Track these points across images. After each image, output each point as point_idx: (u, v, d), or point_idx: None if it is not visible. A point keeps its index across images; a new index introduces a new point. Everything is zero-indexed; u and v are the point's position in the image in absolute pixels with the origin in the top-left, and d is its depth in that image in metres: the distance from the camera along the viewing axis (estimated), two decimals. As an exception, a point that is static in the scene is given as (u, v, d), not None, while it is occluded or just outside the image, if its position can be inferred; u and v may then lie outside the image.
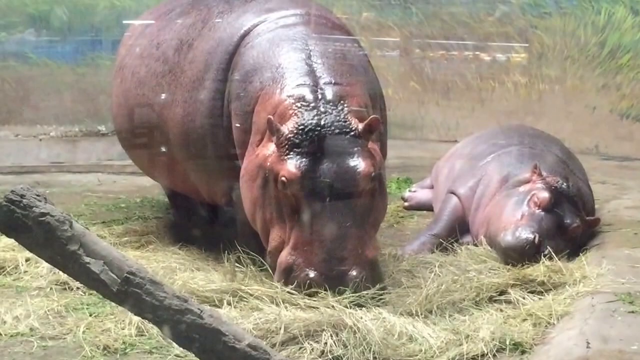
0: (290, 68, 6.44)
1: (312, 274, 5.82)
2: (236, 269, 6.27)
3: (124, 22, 11.70)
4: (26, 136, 12.27)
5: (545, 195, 6.97)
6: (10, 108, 12.65)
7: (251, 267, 6.31)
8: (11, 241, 6.45)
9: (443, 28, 13.61)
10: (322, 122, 6.05)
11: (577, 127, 12.26)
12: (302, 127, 6.03)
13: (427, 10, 13.73)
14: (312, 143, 6.00)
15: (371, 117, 6.18)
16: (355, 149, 6.05)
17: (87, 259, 4.06)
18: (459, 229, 7.63)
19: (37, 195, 4.07)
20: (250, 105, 6.49)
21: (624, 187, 9.69)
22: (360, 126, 6.11)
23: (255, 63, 6.63)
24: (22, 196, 4.04)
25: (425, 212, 8.98)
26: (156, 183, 8.82)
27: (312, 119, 6.06)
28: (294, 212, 6.01)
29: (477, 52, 13.51)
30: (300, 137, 6.01)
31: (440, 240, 7.40)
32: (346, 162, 6.01)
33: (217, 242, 6.84)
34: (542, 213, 6.91)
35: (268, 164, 6.10)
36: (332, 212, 5.95)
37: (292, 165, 5.96)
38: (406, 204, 9.33)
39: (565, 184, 7.16)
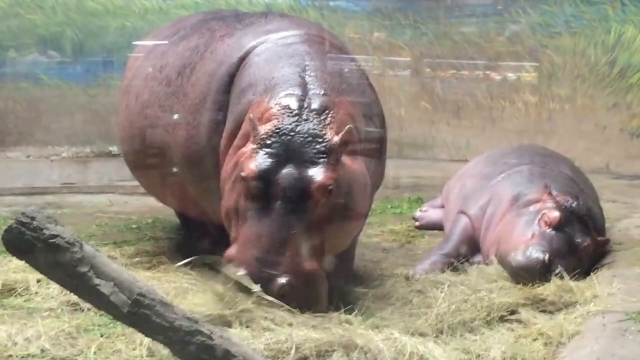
0: (282, 80, 6.46)
1: (241, 271, 5.79)
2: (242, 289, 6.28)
3: (134, 43, 11.78)
4: (37, 157, 12.31)
5: (555, 214, 6.96)
6: (22, 129, 12.70)
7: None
8: (22, 262, 6.48)
9: (453, 48, 13.65)
10: (298, 129, 6.05)
11: (587, 146, 12.26)
12: (277, 129, 6.05)
13: (438, 30, 13.78)
14: (282, 146, 6.01)
15: (347, 127, 6.11)
16: (322, 159, 6.01)
17: (98, 281, 4.07)
18: (469, 249, 7.62)
19: (48, 218, 4.09)
20: (243, 116, 6.50)
21: (634, 206, 9.67)
22: (336, 138, 6.06)
23: (251, 79, 6.66)
24: (32, 218, 4.06)
25: (436, 231, 8.98)
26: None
27: (289, 124, 6.07)
28: (244, 209, 6.03)
29: (487, 72, 13.53)
30: (272, 138, 6.02)
31: (451, 259, 7.39)
32: (306, 169, 5.97)
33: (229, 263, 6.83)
34: (553, 232, 6.91)
35: (240, 159, 6.13)
36: (278, 216, 5.90)
37: (254, 163, 5.98)
38: (417, 223, 9.33)
39: (575, 203, 7.15)
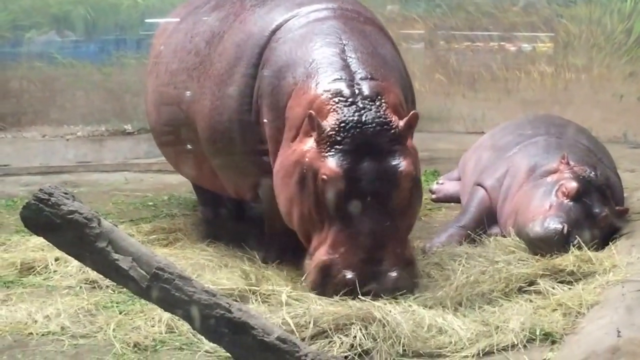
0: (324, 63, 6.32)
1: (349, 275, 5.70)
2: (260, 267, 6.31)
3: (147, 20, 11.77)
4: (53, 136, 12.32)
5: (573, 185, 6.92)
6: (37, 109, 12.71)
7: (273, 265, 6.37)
8: (41, 241, 6.53)
9: (468, 19, 13.57)
10: (363, 119, 5.93)
11: (604, 115, 12.18)
12: (343, 123, 5.91)
13: (452, 1, 13.69)
14: (354, 140, 5.89)
15: (412, 113, 6.08)
16: (397, 147, 5.95)
17: (116, 256, 4.08)
18: (486, 221, 7.59)
19: (65, 193, 4.09)
20: (283, 101, 6.37)
21: (652, 175, 9.62)
22: (401, 123, 6.02)
23: (288, 59, 6.51)
24: (50, 194, 4.06)
25: (453, 204, 8.96)
26: (183, 180, 8.83)
27: (352, 116, 5.94)
28: (333, 211, 5.89)
29: (502, 43, 13.46)
30: (341, 134, 5.89)
31: (468, 232, 7.37)
32: (388, 161, 5.91)
33: (245, 239, 6.85)
34: (571, 203, 6.87)
35: (306, 159, 5.98)
36: (372, 212, 5.84)
37: (334, 163, 5.85)
38: (434, 196, 9.31)
39: (593, 173, 7.11)
